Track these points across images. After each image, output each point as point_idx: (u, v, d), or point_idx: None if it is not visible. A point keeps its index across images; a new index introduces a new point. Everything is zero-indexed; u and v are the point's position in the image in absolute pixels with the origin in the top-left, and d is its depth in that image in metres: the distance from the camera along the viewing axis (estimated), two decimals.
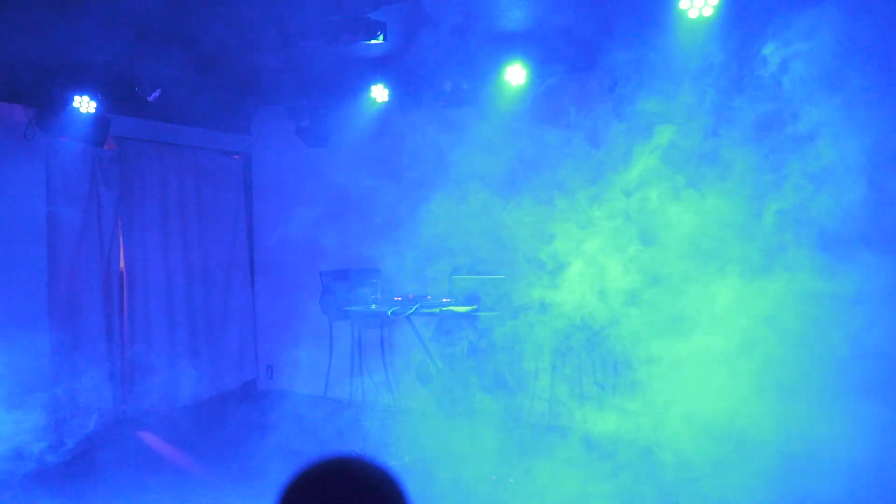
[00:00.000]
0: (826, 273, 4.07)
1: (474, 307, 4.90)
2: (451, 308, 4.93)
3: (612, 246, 5.17)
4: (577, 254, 5.32)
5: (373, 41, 4.08)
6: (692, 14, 4.01)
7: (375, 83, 5.94)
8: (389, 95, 6.03)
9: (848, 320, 4.02)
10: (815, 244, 4.09)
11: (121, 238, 6.31)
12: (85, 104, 5.33)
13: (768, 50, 3.81)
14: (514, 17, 4.61)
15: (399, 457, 4.95)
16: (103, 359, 6.02)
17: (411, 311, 5.02)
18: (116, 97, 5.45)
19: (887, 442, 4.16)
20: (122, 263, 6.30)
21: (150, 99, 5.23)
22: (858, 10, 3.58)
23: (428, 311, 5.04)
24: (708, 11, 3.98)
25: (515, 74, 5.39)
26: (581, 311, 5.11)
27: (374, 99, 6.06)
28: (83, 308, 5.97)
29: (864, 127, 3.84)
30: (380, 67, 5.70)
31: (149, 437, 5.84)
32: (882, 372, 4.22)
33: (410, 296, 5.53)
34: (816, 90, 3.76)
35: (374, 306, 5.35)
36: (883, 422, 4.08)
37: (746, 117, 4.12)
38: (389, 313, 5.09)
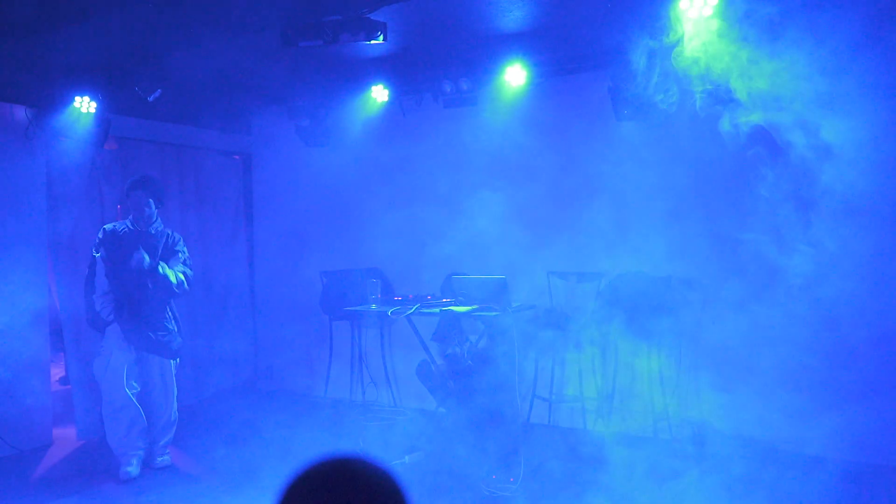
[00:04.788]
0: None
1: (474, 307, 4.90)
2: (451, 308, 4.93)
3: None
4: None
5: (373, 41, 4.08)
6: (692, 14, 4.01)
7: (375, 83, 5.95)
8: (389, 95, 6.03)
9: None
10: None
11: None
12: (85, 104, 5.33)
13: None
14: (514, 17, 4.60)
15: (399, 457, 4.96)
16: None
17: (411, 311, 5.02)
18: (116, 97, 5.46)
19: None
20: None
21: (150, 99, 5.23)
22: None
23: (428, 311, 5.04)
24: (708, 11, 3.98)
25: (515, 74, 5.39)
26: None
27: (374, 99, 6.07)
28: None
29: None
30: (380, 67, 5.70)
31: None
32: None
33: (410, 296, 5.54)
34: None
35: (374, 306, 5.35)
36: None
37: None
38: (389, 313, 5.09)
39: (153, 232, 4.93)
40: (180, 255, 4.99)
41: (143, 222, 4.88)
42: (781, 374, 4.69)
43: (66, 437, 5.75)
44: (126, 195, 4.93)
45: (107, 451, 4.99)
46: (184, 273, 4.95)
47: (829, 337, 4.50)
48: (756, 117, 3.98)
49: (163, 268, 4.82)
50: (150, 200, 4.89)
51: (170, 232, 5.03)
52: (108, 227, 4.91)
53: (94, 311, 4.87)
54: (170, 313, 5.01)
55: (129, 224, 4.89)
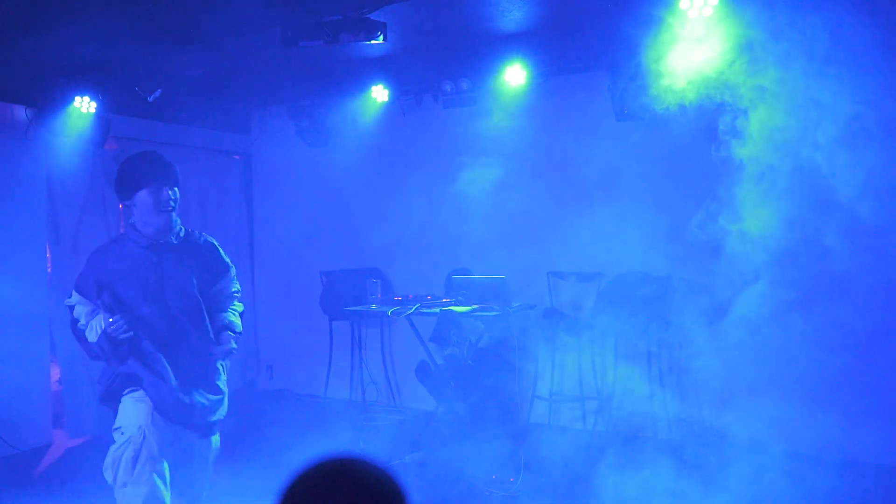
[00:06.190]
0: None
1: (474, 307, 4.90)
2: (451, 308, 4.93)
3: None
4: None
5: (373, 41, 4.08)
6: (692, 14, 4.01)
7: (375, 83, 5.95)
8: (389, 95, 6.03)
9: None
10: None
11: None
12: (85, 104, 5.33)
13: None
14: (514, 17, 4.60)
15: (399, 457, 4.96)
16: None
17: (411, 311, 5.01)
18: (116, 97, 5.46)
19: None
20: None
21: (150, 99, 5.23)
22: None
23: (428, 311, 5.04)
24: (708, 12, 3.98)
25: (515, 74, 5.39)
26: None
27: (374, 99, 6.06)
28: None
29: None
30: (380, 67, 5.71)
31: None
32: None
33: (410, 296, 5.54)
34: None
35: (374, 306, 5.35)
36: None
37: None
38: (389, 313, 5.09)
39: (176, 241, 3.18)
40: (232, 280, 3.45)
41: (164, 231, 3.12)
42: (781, 374, 4.69)
43: (67, 439, 5.74)
44: (132, 187, 3.09)
45: (106, 451, 4.98)
46: (240, 314, 3.45)
47: (829, 337, 4.50)
48: (756, 118, 3.98)
49: (231, 335, 3.28)
50: (177, 190, 3.14)
51: (198, 235, 3.33)
52: (98, 252, 3.13)
53: (98, 342, 3.03)
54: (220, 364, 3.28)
55: (134, 237, 3.11)
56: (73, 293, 3.10)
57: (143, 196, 3.07)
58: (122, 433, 2.99)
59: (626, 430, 5.32)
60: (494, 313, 4.80)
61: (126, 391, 3.02)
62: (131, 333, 2.93)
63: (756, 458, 4.18)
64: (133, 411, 3.00)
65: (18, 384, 5.38)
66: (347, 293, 5.85)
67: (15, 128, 5.44)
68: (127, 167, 3.13)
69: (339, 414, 6.00)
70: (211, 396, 3.15)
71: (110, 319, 2.90)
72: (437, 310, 4.98)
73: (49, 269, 5.77)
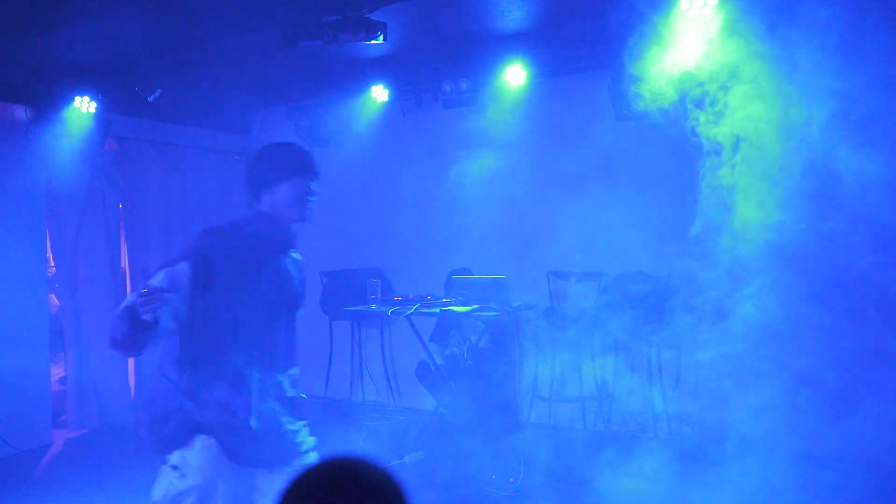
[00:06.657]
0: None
1: (474, 307, 4.90)
2: (451, 308, 4.93)
3: None
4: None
5: (373, 41, 4.08)
6: (692, 14, 4.01)
7: (375, 83, 5.95)
8: (389, 95, 6.03)
9: None
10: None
11: (122, 238, 6.31)
12: (85, 104, 5.33)
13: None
14: (514, 17, 4.60)
15: (399, 457, 4.96)
16: (104, 359, 6.03)
17: (411, 311, 5.01)
18: (116, 97, 5.46)
19: None
20: (124, 263, 6.31)
21: (150, 99, 5.23)
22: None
23: (428, 311, 5.04)
24: (708, 11, 3.98)
25: (515, 74, 5.39)
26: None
27: (374, 99, 6.06)
28: (85, 310, 5.97)
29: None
30: (380, 67, 5.71)
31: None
32: None
33: (410, 296, 5.54)
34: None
35: (374, 306, 5.35)
36: None
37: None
38: (389, 313, 5.09)
39: (294, 250, 2.88)
40: None
41: (287, 228, 2.77)
42: (782, 372, 4.69)
43: (66, 437, 5.75)
44: (279, 174, 2.70)
45: (106, 451, 4.99)
46: None
47: (831, 335, 4.49)
48: (757, 115, 3.97)
49: None
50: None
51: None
52: (218, 234, 2.69)
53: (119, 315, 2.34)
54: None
55: (261, 228, 2.74)
56: (182, 263, 2.49)
57: (286, 186, 2.69)
58: (184, 475, 2.52)
59: (626, 430, 5.32)
60: (494, 313, 4.80)
61: (195, 436, 2.53)
62: (155, 321, 2.32)
63: (757, 456, 4.18)
64: (199, 455, 2.54)
65: (18, 384, 5.38)
66: (347, 293, 5.85)
67: (15, 128, 5.45)
68: (274, 153, 2.78)
69: (339, 414, 6.00)
70: (298, 422, 2.73)
71: (143, 290, 2.27)
72: (437, 310, 4.98)
73: (49, 270, 5.77)
